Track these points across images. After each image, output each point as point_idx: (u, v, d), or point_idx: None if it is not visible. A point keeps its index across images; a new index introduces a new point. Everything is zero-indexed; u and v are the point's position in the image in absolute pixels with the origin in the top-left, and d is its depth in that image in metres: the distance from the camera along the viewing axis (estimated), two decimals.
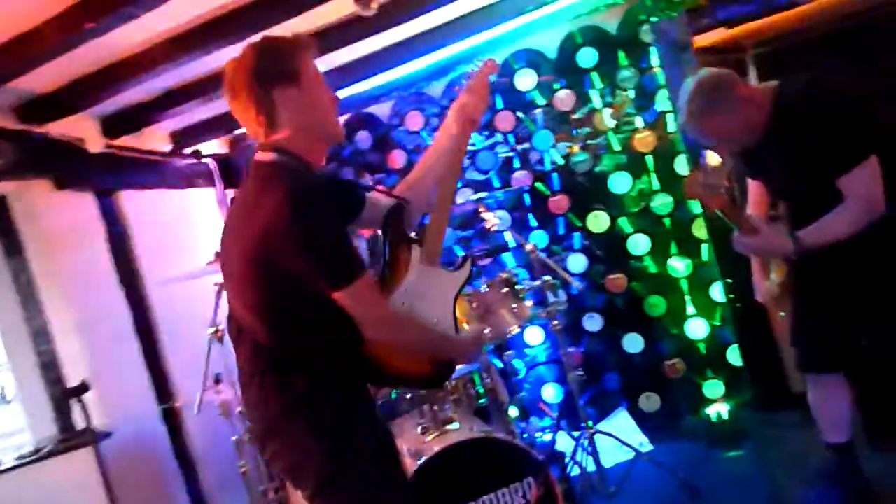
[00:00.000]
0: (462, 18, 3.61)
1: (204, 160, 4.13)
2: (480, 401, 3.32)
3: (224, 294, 3.16)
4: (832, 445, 2.59)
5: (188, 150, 4.01)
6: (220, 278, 3.08)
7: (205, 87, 3.46)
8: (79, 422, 2.92)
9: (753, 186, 2.65)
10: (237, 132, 4.44)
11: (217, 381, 3.20)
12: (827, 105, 2.18)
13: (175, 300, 3.64)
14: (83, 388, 2.49)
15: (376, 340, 1.63)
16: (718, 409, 3.81)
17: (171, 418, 3.55)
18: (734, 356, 3.85)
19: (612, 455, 3.54)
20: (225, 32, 2.88)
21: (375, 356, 1.67)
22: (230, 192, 4.38)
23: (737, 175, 2.82)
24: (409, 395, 3.21)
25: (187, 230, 4.08)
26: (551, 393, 4.22)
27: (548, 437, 3.75)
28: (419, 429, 2.84)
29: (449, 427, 2.83)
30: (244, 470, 3.14)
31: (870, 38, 3.84)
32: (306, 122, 1.67)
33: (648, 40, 3.83)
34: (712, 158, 2.19)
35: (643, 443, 3.75)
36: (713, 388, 3.92)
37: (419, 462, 2.59)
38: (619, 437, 3.43)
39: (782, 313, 2.64)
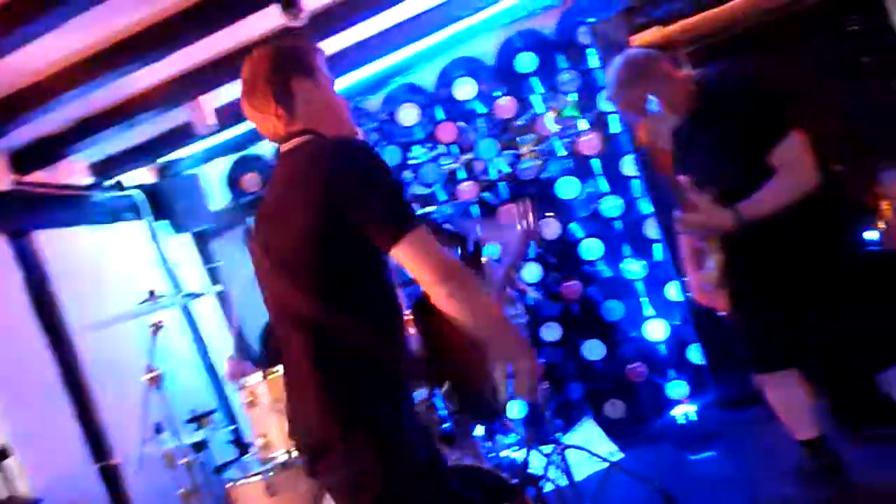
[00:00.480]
0: (395, 28, 3.48)
1: (128, 192, 3.88)
2: (444, 425, 3.16)
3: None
4: (803, 442, 2.54)
5: (110, 182, 3.74)
6: (156, 317, 2.85)
7: (125, 112, 3.22)
8: (2, 491, 2.63)
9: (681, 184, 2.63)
10: (164, 159, 4.18)
11: (158, 430, 2.94)
12: (748, 82, 2.29)
13: (106, 346, 3.34)
14: (3, 454, 2.22)
15: (444, 297, 1.50)
16: (685, 410, 3.75)
17: (110, 477, 3.24)
18: (696, 355, 3.81)
19: (582, 467, 3.43)
20: (142, 51, 2.67)
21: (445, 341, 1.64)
22: (160, 224, 4.13)
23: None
24: None
25: (115, 269, 3.78)
26: (514, 408, 4.09)
27: (516, 454, 3.61)
28: None
29: None
30: None
31: (798, 31, 3.93)
32: (323, 115, 1.68)
33: (586, 42, 3.79)
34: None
35: (613, 451, 3.66)
36: (677, 389, 3.87)
37: None
38: (590, 450, 3.32)
39: (723, 312, 2.57)
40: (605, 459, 3.29)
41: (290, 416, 1.67)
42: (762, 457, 3.09)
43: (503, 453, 3.63)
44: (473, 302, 1.53)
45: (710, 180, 2.39)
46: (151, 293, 2.78)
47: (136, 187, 4.02)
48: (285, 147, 1.66)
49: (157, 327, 2.76)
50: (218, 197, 4.39)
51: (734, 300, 2.46)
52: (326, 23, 2.98)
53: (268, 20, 2.79)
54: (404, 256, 1.50)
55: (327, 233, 1.52)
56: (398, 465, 1.54)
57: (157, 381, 2.68)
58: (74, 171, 3.74)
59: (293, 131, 1.65)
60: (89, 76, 2.68)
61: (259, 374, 2.66)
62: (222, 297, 4.20)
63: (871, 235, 3.02)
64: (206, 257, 4.42)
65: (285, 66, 1.66)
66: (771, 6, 3.75)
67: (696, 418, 3.70)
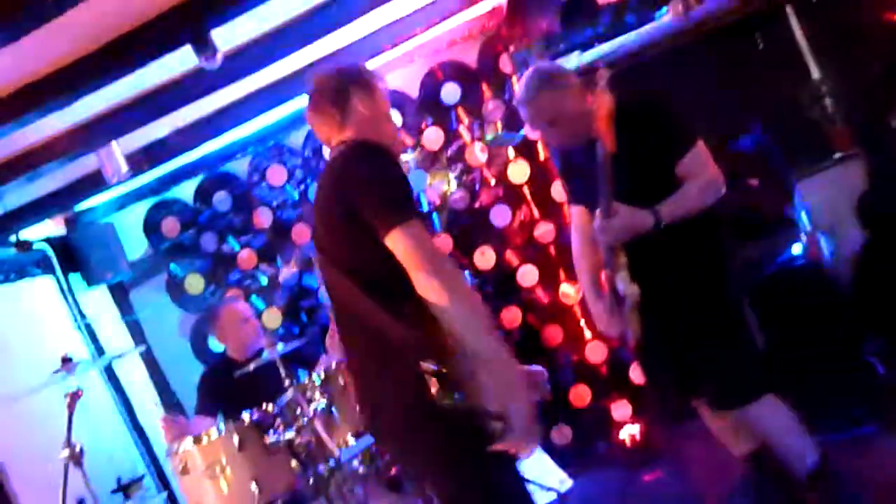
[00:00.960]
0: (316, 63, 3.39)
1: (37, 247, 3.61)
2: (392, 471, 3.05)
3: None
4: (743, 457, 2.56)
5: (13, 240, 3.47)
6: (71, 387, 2.62)
7: (27, 163, 2.99)
8: None
9: (576, 213, 2.60)
10: (76, 209, 3.92)
11: None
12: (649, 103, 2.33)
13: (18, 421, 3.05)
14: None
15: (429, 285, 1.55)
16: (630, 431, 3.75)
17: None
18: (636, 374, 3.83)
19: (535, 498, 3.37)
20: (42, 99, 2.48)
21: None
22: (74, 277, 3.85)
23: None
24: (311, 481, 2.86)
25: (24, 333, 3.48)
26: None
27: None
28: None
29: None
30: None
31: (711, 51, 4.08)
32: (374, 127, 1.85)
33: (508, 70, 3.80)
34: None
35: (563, 479, 3.61)
36: (621, 410, 3.87)
37: None
38: (539, 483, 3.27)
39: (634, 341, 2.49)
40: (555, 491, 3.25)
41: (358, 399, 1.84)
42: (710, 469, 3.11)
43: None
44: (458, 294, 1.56)
45: (617, 197, 2.33)
46: (66, 360, 2.54)
47: (43, 240, 3.75)
48: (332, 154, 1.86)
49: (74, 397, 2.52)
50: (135, 245, 4.15)
51: (644, 329, 2.38)
52: (241, 63, 2.86)
53: (182, 62, 2.67)
54: (396, 245, 1.58)
55: (349, 227, 1.66)
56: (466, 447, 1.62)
57: (77, 457, 2.44)
58: None
59: (342, 139, 1.84)
60: None
61: (190, 440, 2.48)
62: (147, 357, 3.94)
63: (795, 249, 3.11)
64: (125, 310, 4.16)
65: (348, 79, 1.87)
66: (684, 29, 3.86)
67: (641, 438, 3.72)
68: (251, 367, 2.60)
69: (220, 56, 2.54)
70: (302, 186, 4.05)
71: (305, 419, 2.52)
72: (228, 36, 2.68)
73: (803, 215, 3.65)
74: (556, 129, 2.35)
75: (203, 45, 2.48)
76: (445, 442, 1.63)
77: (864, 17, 3.88)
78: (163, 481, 3.70)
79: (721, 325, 2.34)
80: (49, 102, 2.49)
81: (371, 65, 3.58)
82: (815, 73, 4.23)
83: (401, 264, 1.58)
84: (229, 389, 3.13)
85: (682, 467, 3.40)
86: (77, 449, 2.44)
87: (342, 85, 1.86)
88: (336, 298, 1.80)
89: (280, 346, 2.57)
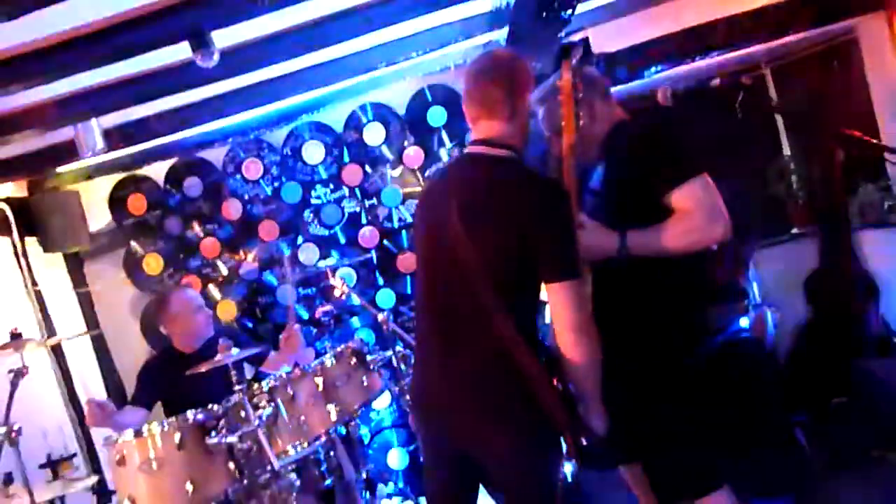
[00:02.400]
0: (307, 70, 3.40)
1: None
2: (326, 482, 3.08)
3: None
4: None
5: None
6: (15, 363, 2.58)
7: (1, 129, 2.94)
8: None
9: None
10: (38, 174, 3.84)
11: (7, 482, 2.67)
12: (649, 126, 2.16)
13: None
14: None
15: (571, 340, 1.77)
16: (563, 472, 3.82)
17: None
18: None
19: None
20: (32, 72, 2.45)
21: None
22: (30, 240, 3.77)
23: None
24: (247, 488, 2.85)
25: None
26: (396, 459, 4.04)
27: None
28: None
29: None
30: None
31: (689, 111, 4.20)
32: (524, 133, 1.94)
33: None
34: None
35: None
36: None
37: None
38: None
39: None
40: None
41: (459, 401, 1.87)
42: None
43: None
44: (590, 355, 1.79)
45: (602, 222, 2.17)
46: (15, 335, 2.50)
47: (3, 200, 3.68)
48: (493, 152, 1.88)
49: (17, 375, 2.47)
50: (98, 217, 4.08)
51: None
52: (235, 63, 2.86)
53: (176, 52, 2.65)
54: (557, 294, 1.75)
55: (518, 252, 1.76)
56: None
57: (13, 437, 2.39)
58: None
59: (504, 140, 1.88)
60: None
61: (130, 432, 2.47)
62: (96, 338, 3.87)
63: (743, 322, 3.23)
64: (78, 281, 4.09)
65: (528, 80, 1.90)
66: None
67: (572, 480, 3.80)
68: (203, 368, 2.58)
69: (216, 55, 2.54)
70: (276, 184, 4.05)
71: (250, 426, 2.53)
72: (226, 35, 2.68)
73: (754, 286, 3.80)
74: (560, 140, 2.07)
75: (201, 44, 2.48)
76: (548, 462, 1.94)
77: (833, 110, 4.07)
78: (95, 465, 3.63)
79: (680, 400, 2.12)
80: (37, 76, 2.46)
81: (361, 77, 3.64)
82: (787, 151, 4.42)
83: (532, 300, 1.81)
84: (172, 383, 3.08)
85: None
86: (14, 427, 2.40)
87: (524, 78, 1.89)
88: (458, 304, 1.84)
89: (235, 351, 2.57)
